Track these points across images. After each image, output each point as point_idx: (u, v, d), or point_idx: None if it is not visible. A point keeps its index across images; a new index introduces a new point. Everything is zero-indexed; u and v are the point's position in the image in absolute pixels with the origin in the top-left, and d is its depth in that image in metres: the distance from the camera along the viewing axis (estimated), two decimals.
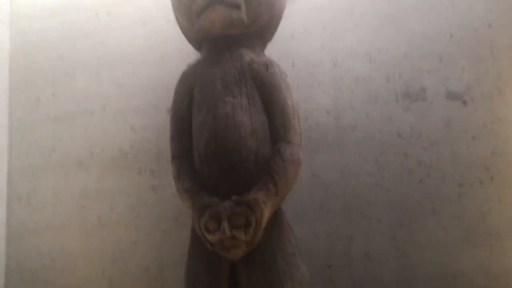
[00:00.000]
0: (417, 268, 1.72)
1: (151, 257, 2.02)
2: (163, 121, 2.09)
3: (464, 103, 1.74)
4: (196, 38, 1.67)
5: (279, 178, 1.48)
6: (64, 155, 2.21)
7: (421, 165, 1.75)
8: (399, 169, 1.78)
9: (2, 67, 2.33)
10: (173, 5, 1.68)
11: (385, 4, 1.87)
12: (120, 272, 2.05)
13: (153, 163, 2.09)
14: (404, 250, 1.74)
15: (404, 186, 1.77)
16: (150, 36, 2.16)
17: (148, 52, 2.15)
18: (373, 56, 1.85)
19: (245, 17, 1.56)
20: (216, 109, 1.53)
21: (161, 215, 2.04)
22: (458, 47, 1.77)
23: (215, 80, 1.57)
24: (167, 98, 2.08)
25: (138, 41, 2.17)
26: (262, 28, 1.66)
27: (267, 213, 1.45)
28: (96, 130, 2.18)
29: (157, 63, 2.13)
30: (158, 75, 2.13)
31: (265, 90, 1.56)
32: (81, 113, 2.21)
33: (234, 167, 1.50)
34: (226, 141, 1.50)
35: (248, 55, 1.60)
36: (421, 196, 1.75)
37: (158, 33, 2.15)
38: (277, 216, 1.53)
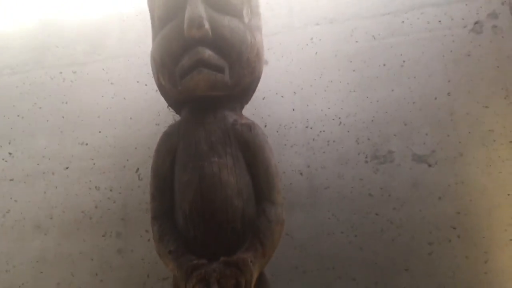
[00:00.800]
0: None
1: None
2: (131, 181, 2.05)
3: (429, 165, 1.86)
4: (178, 99, 1.68)
5: (266, 239, 1.49)
6: (20, 217, 2.08)
7: (392, 224, 1.83)
8: (371, 228, 1.84)
9: None
10: (154, 66, 1.69)
11: (351, 72, 2.00)
12: None
13: (119, 225, 2.01)
14: None
15: (377, 245, 1.82)
16: (118, 95, 2.14)
17: (116, 111, 2.13)
18: (343, 120, 1.95)
19: (228, 80, 1.61)
20: (202, 169, 1.53)
21: (128, 280, 1.94)
22: (420, 114, 1.91)
23: (200, 140, 1.58)
24: (135, 157, 2.07)
25: (105, 100, 2.15)
26: (243, 91, 1.71)
27: (255, 274, 1.45)
28: (57, 191, 2.08)
29: (125, 123, 2.11)
30: (126, 135, 2.10)
31: (249, 151, 1.59)
32: (40, 173, 2.11)
33: (221, 227, 1.49)
34: (212, 201, 1.50)
35: (231, 117, 1.64)
36: (394, 254, 1.81)
37: (126, 92, 2.14)
38: (261, 277, 1.53)
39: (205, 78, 1.59)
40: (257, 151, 1.60)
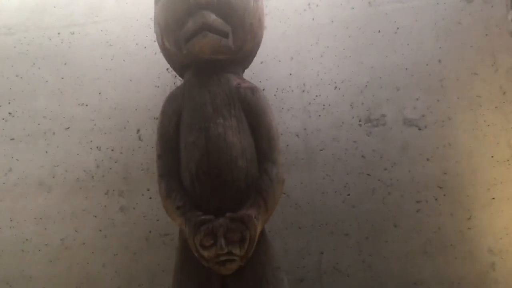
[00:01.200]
0: (382, 278, 1.88)
1: (121, 280, 2.01)
2: (132, 142, 2.11)
3: (419, 129, 1.96)
4: (182, 62, 1.73)
5: (268, 196, 1.59)
6: (23, 175, 2.13)
7: (383, 184, 1.94)
8: (363, 188, 1.95)
9: None
10: (159, 29, 1.73)
11: (347, 39, 2.06)
12: None
13: (121, 183, 2.08)
14: (370, 262, 1.91)
15: (368, 203, 1.94)
16: (117, 57, 2.17)
17: (115, 73, 2.16)
18: (338, 85, 2.03)
19: (232, 44, 1.66)
20: (207, 130, 1.61)
21: (131, 236, 2.03)
22: (412, 80, 2.00)
23: (205, 103, 1.65)
24: (136, 119, 2.13)
25: (105, 62, 2.18)
26: (246, 55, 1.77)
27: (259, 229, 1.54)
28: (58, 151, 2.13)
29: (125, 84, 2.15)
30: (126, 96, 2.14)
31: (252, 113, 1.67)
32: (41, 133, 2.15)
33: (226, 185, 1.57)
34: (218, 161, 1.58)
35: (234, 80, 1.70)
36: (384, 212, 1.93)
37: (125, 54, 2.17)
38: (262, 233, 1.63)
39: (210, 42, 1.64)
40: (259, 113, 1.68)
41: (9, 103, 2.20)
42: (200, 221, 1.51)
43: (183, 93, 1.71)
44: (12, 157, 2.15)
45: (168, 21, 1.69)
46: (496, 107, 1.91)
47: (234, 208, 1.55)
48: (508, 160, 1.88)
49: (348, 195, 1.96)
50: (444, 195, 1.90)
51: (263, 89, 2.03)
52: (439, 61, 1.98)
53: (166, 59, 1.80)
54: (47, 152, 2.14)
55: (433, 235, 1.88)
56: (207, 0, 1.61)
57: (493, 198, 1.86)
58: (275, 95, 2.04)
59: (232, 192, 1.58)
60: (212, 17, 1.64)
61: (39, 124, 2.17)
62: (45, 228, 2.08)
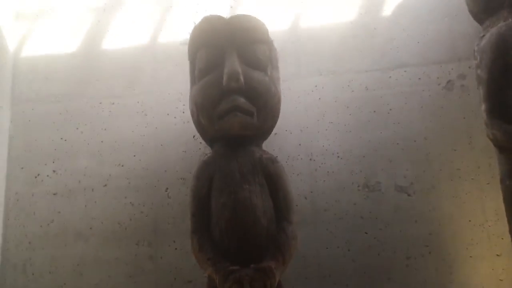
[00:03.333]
0: None
1: None
2: (161, 199, 2.44)
3: (408, 195, 2.32)
4: (214, 135, 2.08)
5: (285, 251, 1.91)
6: (63, 226, 2.43)
7: (378, 242, 2.27)
8: (361, 244, 2.28)
9: (1, 144, 2.54)
10: (195, 107, 2.09)
11: (348, 116, 2.45)
12: None
13: (151, 235, 2.39)
14: None
15: (365, 258, 2.26)
16: (150, 125, 2.53)
17: (148, 139, 2.52)
18: (340, 155, 2.40)
19: (256, 122, 2.02)
20: (236, 193, 1.94)
21: (158, 282, 2.33)
22: (403, 153, 2.37)
23: (234, 171, 2.00)
24: (165, 179, 2.45)
25: (140, 129, 2.53)
26: (266, 131, 2.14)
27: (277, 278, 1.85)
28: (96, 205, 2.45)
29: (157, 149, 2.50)
30: (157, 159, 2.49)
31: (272, 180, 2.02)
32: (81, 189, 2.47)
33: (250, 240, 1.90)
34: (244, 219, 1.91)
35: (257, 152, 2.06)
36: (379, 266, 2.25)
37: (158, 123, 2.53)
38: (279, 282, 1.93)
39: (239, 120, 2.01)
40: (278, 180, 2.03)
41: (53, 162, 2.52)
42: (229, 271, 1.81)
43: (215, 161, 2.06)
44: (54, 210, 2.45)
45: (204, 101, 2.06)
46: (472, 178, 2.28)
47: (256, 260, 1.86)
48: (482, 224, 2.23)
49: (349, 250, 2.28)
50: (429, 253, 2.24)
51: (276, 157, 2.37)
52: (425, 138, 2.37)
53: (199, 132, 2.15)
54: (86, 206, 2.45)
55: (420, 287, 2.20)
56: (238, 87, 1.99)
57: (471, 257, 2.20)
58: (286, 162, 2.38)
59: (255, 245, 1.90)
60: (241, 100, 2.01)
61: (79, 182, 2.48)
62: (81, 274, 2.36)
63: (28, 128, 2.61)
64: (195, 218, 2.02)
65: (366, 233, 2.30)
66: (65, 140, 2.55)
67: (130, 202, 2.44)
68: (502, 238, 2.15)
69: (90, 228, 2.42)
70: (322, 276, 2.27)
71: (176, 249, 2.36)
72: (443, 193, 2.30)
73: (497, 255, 2.17)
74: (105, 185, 2.47)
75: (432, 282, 2.20)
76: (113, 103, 2.58)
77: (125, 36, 2.68)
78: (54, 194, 2.48)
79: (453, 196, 2.29)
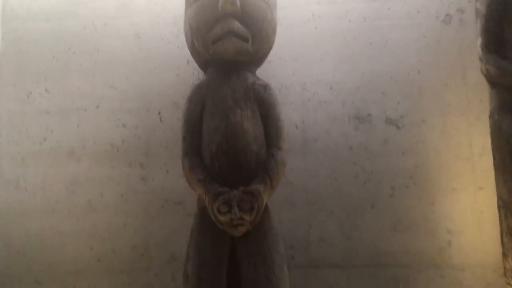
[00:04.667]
0: (358, 249, 2.29)
1: (138, 238, 2.37)
2: (154, 122, 2.46)
3: (398, 127, 2.35)
4: (208, 60, 2.07)
5: (273, 175, 1.96)
6: (56, 145, 2.46)
7: (365, 172, 2.33)
8: (348, 174, 2.35)
9: None
10: (190, 31, 2.06)
11: (343, 47, 2.43)
12: (108, 250, 2.37)
13: (143, 157, 2.43)
14: (349, 235, 2.31)
15: (351, 187, 2.33)
16: (144, 48, 2.50)
17: (142, 62, 2.50)
18: (333, 86, 2.40)
19: (251, 48, 2.01)
20: (227, 118, 1.96)
21: (149, 203, 2.39)
22: (395, 86, 2.38)
23: (227, 96, 2.00)
24: (158, 103, 2.46)
25: (133, 51, 2.51)
26: (260, 58, 2.12)
27: (265, 201, 1.91)
28: (89, 126, 2.47)
29: (150, 73, 2.48)
30: (150, 82, 2.48)
31: (264, 107, 2.03)
32: (74, 109, 2.48)
33: (240, 164, 1.94)
34: (235, 144, 1.94)
35: (251, 78, 2.06)
36: (364, 195, 2.33)
37: (151, 47, 2.50)
38: (266, 205, 2.00)
39: (234, 45, 1.99)
40: (270, 107, 2.05)
41: (45, 81, 2.51)
42: (218, 192, 1.87)
43: (208, 85, 2.06)
44: (47, 128, 2.47)
45: (199, 25, 2.03)
46: (462, 113, 2.31)
47: (245, 183, 1.91)
48: (468, 158, 2.28)
49: (336, 179, 2.35)
50: (414, 184, 2.30)
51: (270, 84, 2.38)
52: (418, 72, 2.37)
53: (193, 56, 2.13)
54: (78, 126, 2.46)
55: (402, 216, 2.29)
56: (233, 10, 1.96)
57: (454, 189, 2.27)
58: (279, 90, 2.39)
59: (245, 170, 1.94)
60: (237, 25, 1.99)
61: (72, 101, 2.49)
62: (74, 192, 2.42)
63: (20, 46, 2.56)
64: (186, 141, 2.05)
65: (354, 163, 2.35)
66: (57, 59, 2.52)
67: (123, 124, 2.45)
68: (486, 172, 2.21)
69: (83, 147, 2.45)
70: (308, 203, 2.35)
71: (167, 171, 2.41)
72: (432, 127, 2.33)
73: (480, 188, 2.25)
74: (98, 106, 2.47)
75: (414, 212, 2.29)
76: (106, 24, 2.54)
77: None
78: (46, 112, 2.48)
79: (442, 130, 2.32)
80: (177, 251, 2.31)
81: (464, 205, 2.25)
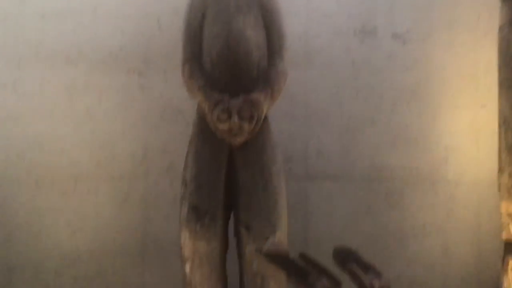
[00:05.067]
0: (356, 162, 2.32)
1: (137, 146, 2.37)
2: (154, 29, 2.38)
3: (404, 42, 2.30)
4: None
5: (274, 85, 1.93)
6: (52, 49, 2.39)
7: (367, 86, 2.31)
8: (350, 88, 2.32)
9: None
10: None
11: None
12: (107, 157, 2.38)
13: (141, 65, 2.38)
14: (347, 149, 2.33)
15: (352, 102, 2.32)
16: None
17: None
18: None
19: None
20: (230, 24, 1.90)
21: (148, 112, 2.38)
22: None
23: (229, 1, 1.93)
24: (156, 9, 2.37)
25: None
26: None
27: (265, 110, 1.90)
28: (85, 30, 2.38)
29: None
30: None
31: (267, 14, 1.97)
32: (70, 11, 2.38)
33: (241, 72, 1.90)
34: (237, 51, 1.89)
35: None
36: (364, 110, 2.32)
37: None
38: (266, 115, 1.98)
39: None
40: (273, 15, 1.98)
41: None
42: (218, 100, 1.85)
43: None
44: (43, 32, 2.39)
45: None
46: (470, 29, 2.25)
47: (246, 92, 1.89)
48: (473, 76, 2.26)
49: (337, 93, 2.32)
50: (415, 100, 2.29)
51: None
52: None
53: None
54: (74, 30, 2.38)
55: (402, 132, 2.30)
56: None
57: (455, 105, 2.27)
58: (283, 0, 2.30)
59: (246, 78, 1.91)
60: None
61: (68, 3, 2.39)
62: (72, 98, 2.39)
63: None
64: (187, 47, 1.99)
65: (356, 78, 2.32)
66: None
67: (121, 30, 2.38)
68: (490, 90, 2.19)
69: (80, 53, 2.39)
70: (308, 117, 2.34)
71: (166, 80, 2.37)
72: (438, 42, 2.28)
73: (482, 106, 2.24)
74: (95, 10, 2.38)
75: (414, 128, 2.30)
76: None
77: None
78: (42, 16, 2.39)
79: (448, 46, 2.28)
80: (175, 160, 2.32)
81: (464, 122, 2.26)
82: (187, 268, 1.93)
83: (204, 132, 1.96)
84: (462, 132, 2.25)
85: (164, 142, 2.38)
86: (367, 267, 1.54)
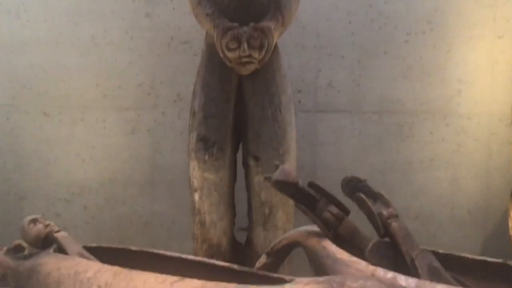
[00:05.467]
0: (367, 95, 2.27)
1: (144, 76, 2.34)
2: None
3: None
4: None
5: (285, 12, 1.86)
6: None
7: (381, 16, 2.22)
8: (363, 17, 2.23)
9: None
10: None
11: None
12: (114, 86, 2.35)
13: None
14: (358, 81, 2.27)
15: (365, 32, 2.24)
16: None
17: None
18: None
19: None
20: None
21: (155, 40, 2.32)
22: None
23: None
24: None
25: None
26: None
27: (275, 39, 1.84)
28: None
29: None
30: None
31: None
32: None
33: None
34: None
35: None
36: (377, 40, 2.24)
37: None
38: (276, 45, 1.93)
39: None
40: None
41: None
42: (227, 27, 1.78)
43: None
44: None
45: None
46: None
47: (256, 19, 1.82)
48: (491, 5, 2.16)
49: (350, 23, 2.24)
50: (431, 30, 2.21)
51: None
52: None
53: None
54: None
55: (415, 63, 2.23)
56: None
57: (471, 36, 2.19)
58: None
59: (256, 5, 1.84)
60: None
61: None
62: (77, 25, 2.33)
63: None
64: None
65: (370, 6, 2.23)
66: None
67: None
68: (508, 21, 2.11)
69: None
70: (319, 47, 2.27)
71: (173, 8, 2.29)
72: None
73: (499, 36, 2.16)
74: None
75: (428, 59, 2.23)
76: None
77: None
78: None
79: None
80: (183, 90, 2.29)
81: (480, 54, 2.18)
82: (196, 197, 1.95)
83: (212, 62, 1.91)
84: (477, 64, 2.17)
85: (172, 72, 2.33)
86: (375, 197, 1.54)
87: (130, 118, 2.34)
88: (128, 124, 2.35)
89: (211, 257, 1.88)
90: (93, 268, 1.25)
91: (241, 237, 2.07)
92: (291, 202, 1.73)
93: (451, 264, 1.49)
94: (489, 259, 1.48)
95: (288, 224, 1.95)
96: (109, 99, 2.36)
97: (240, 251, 2.04)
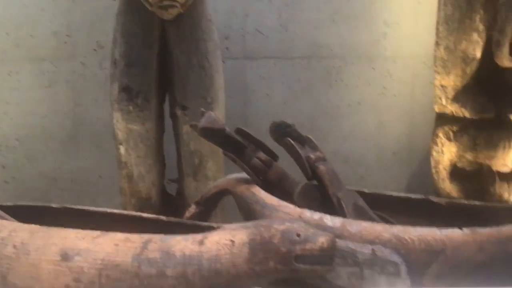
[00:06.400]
0: (295, 40, 2.23)
1: (59, 24, 2.17)
2: None
3: None
4: None
5: None
6: None
7: None
8: None
9: None
10: None
11: None
12: (26, 36, 2.16)
13: None
14: (287, 26, 2.22)
15: None
16: None
17: None
18: None
19: None
20: None
21: None
22: None
23: None
24: None
25: None
26: None
27: None
28: None
29: None
30: None
31: None
32: None
33: None
34: None
35: None
36: None
37: None
38: None
39: None
40: None
41: None
42: None
43: None
44: None
45: None
46: None
47: None
48: None
49: None
50: None
51: None
52: None
53: None
54: None
55: (342, 6, 2.20)
56: None
57: None
58: None
59: None
60: None
61: None
62: None
63: None
64: None
65: None
66: None
67: None
68: None
69: None
70: None
71: None
72: None
73: None
74: None
75: (355, 2, 2.19)
76: None
77: None
78: None
79: None
80: (103, 38, 2.13)
81: None
82: (122, 150, 1.88)
83: (132, 5, 1.80)
84: (402, 6, 2.17)
85: (90, 19, 2.17)
86: (303, 141, 1.54)
87: (47, 69, 2.18)
88: (45, 76, 2.18)
89: (141, 210, 1.83)
90: (8, 227, 1.17)
91: (172, 189, 2.04)
92: (221, 151, 1.69)
93: (377, 203, 1.54)
94: (413, 195, 1.54)
95: (219, 174, 1.93)
96: (21, 48, 2.17)
97: (171, 203, 2.01)
